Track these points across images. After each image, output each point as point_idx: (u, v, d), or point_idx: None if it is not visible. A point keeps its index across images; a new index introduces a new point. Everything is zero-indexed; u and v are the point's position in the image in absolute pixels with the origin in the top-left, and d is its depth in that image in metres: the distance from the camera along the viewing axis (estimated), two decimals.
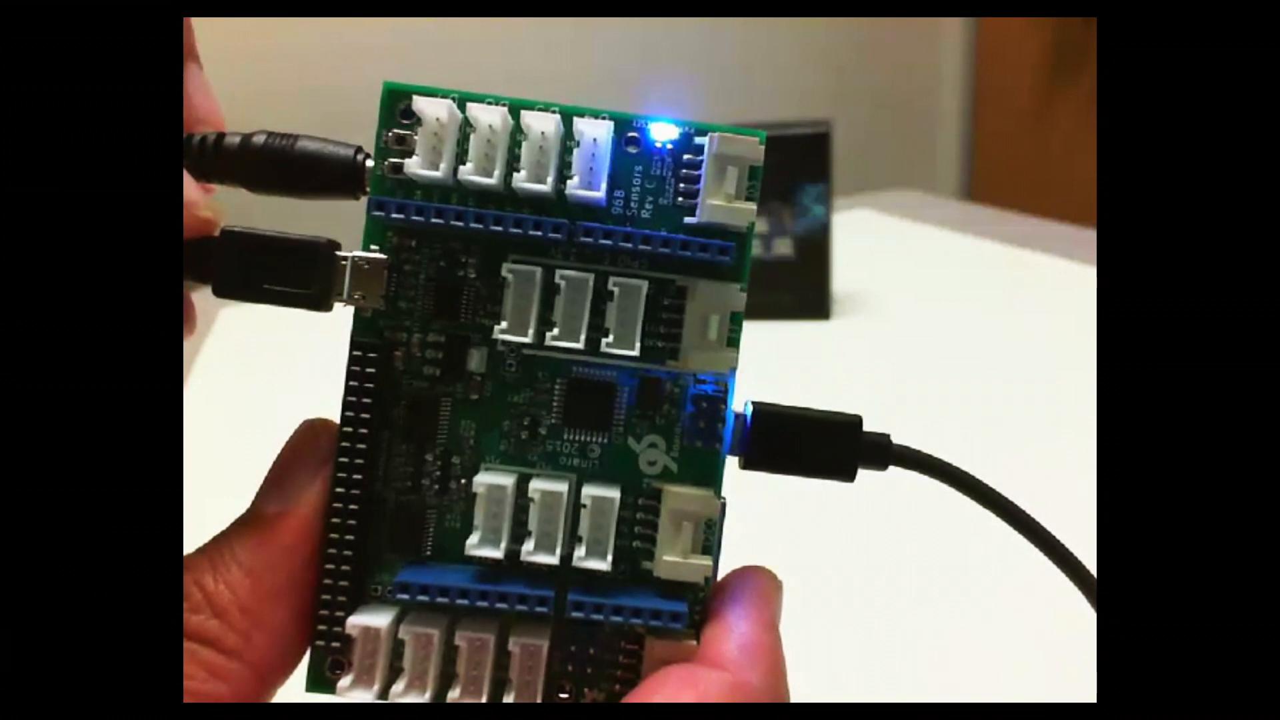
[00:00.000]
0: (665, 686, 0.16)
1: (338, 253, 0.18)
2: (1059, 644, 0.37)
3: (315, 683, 0.18)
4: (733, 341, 0.18)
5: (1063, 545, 0.19)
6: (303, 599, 0.18)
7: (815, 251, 0.77)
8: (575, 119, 0.17)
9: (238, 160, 0.19)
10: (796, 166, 0.76)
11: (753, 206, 0.17)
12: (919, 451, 0.19)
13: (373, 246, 0.18)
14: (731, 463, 0.19)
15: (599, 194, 0.17)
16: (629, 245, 0.17)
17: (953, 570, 0.43)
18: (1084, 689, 0.34)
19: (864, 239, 1.01)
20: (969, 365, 0.67)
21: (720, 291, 0.18)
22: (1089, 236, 0.96)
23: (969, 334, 0.73)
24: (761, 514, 0.39)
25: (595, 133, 0.17)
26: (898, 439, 0.19)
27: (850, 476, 0.19)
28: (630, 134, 0.18)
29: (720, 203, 0.17)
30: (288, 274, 0.17)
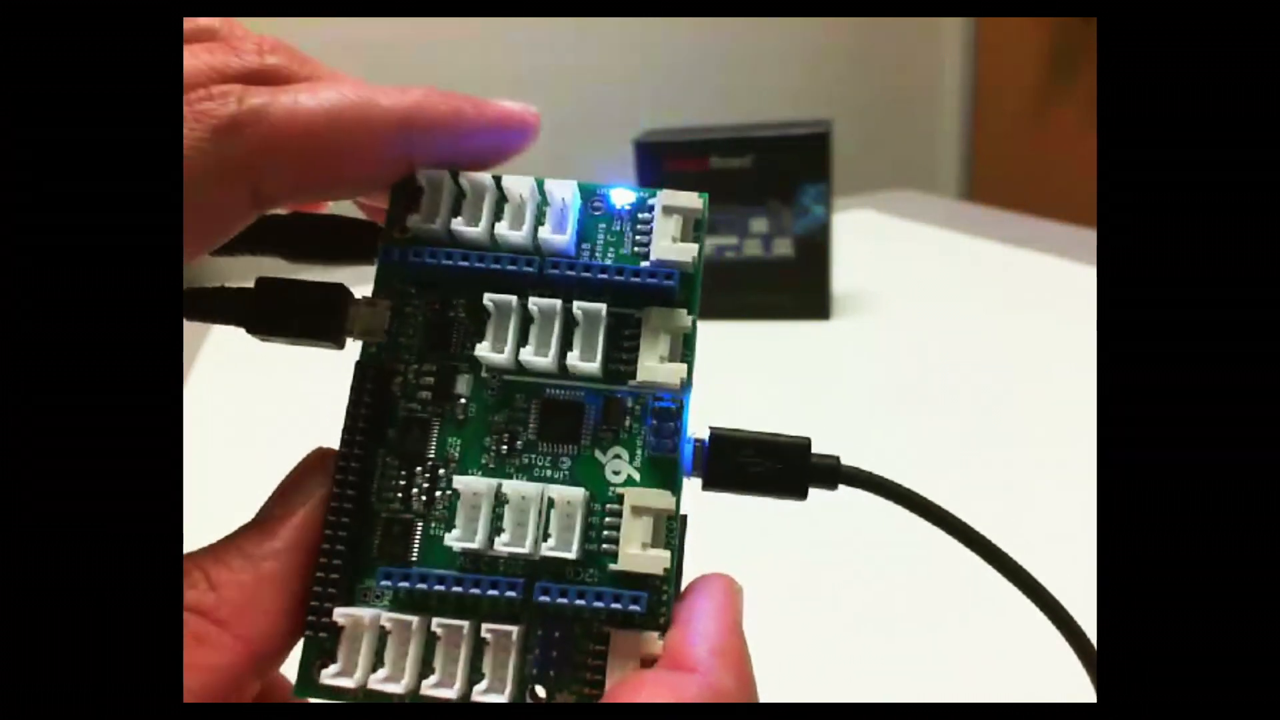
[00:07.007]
0: (641, 691, 0.17)
1: (351, 297, 0.21)
2: (1048, 643, 0.37)
3: (304, 685, 0.19)
4: (684, 360, 0.20)
5: (1014, 560, 0.21)
6: (297, 592, 0.18)
7: (815, 251, 0.77)
8: (546, 182, 0.21)
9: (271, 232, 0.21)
10: (796, 166, 0.76)
11: (695, 247, 0.20)
12: (867, 472, 0.20)
13: (379, 291, 0.21)
14: (696, 485, 0.20)
15: (567, 239, 0.20)
16: (589, 275, 0.20)
17: (930, 575, 0.43)
18: (1083, 688, 0.34)
19: (864, 239, 1.01)
20: (969, 365, 0.67)
21: (670, 316, 0.20)
22: (1089, 236, 0.96)
23: (969, 334, 0.73)
24: (728, 533, 0.40)
25: (563, 193, 0.21)
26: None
27: (801, 495, 0.20)
28: (595, 201, 0.21)
29: (667, 243, 0.20)
30: (311, 315, 0.21)
